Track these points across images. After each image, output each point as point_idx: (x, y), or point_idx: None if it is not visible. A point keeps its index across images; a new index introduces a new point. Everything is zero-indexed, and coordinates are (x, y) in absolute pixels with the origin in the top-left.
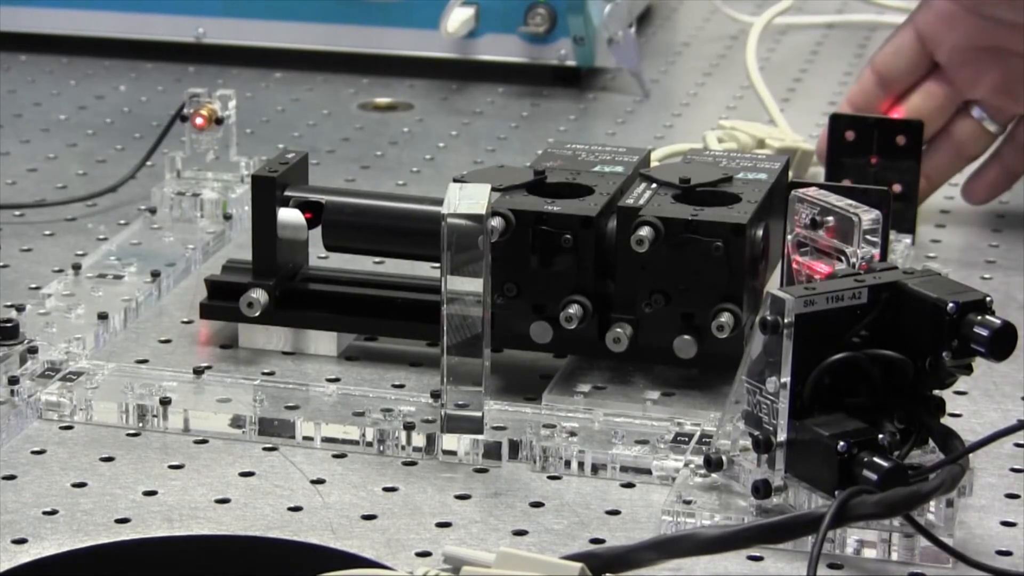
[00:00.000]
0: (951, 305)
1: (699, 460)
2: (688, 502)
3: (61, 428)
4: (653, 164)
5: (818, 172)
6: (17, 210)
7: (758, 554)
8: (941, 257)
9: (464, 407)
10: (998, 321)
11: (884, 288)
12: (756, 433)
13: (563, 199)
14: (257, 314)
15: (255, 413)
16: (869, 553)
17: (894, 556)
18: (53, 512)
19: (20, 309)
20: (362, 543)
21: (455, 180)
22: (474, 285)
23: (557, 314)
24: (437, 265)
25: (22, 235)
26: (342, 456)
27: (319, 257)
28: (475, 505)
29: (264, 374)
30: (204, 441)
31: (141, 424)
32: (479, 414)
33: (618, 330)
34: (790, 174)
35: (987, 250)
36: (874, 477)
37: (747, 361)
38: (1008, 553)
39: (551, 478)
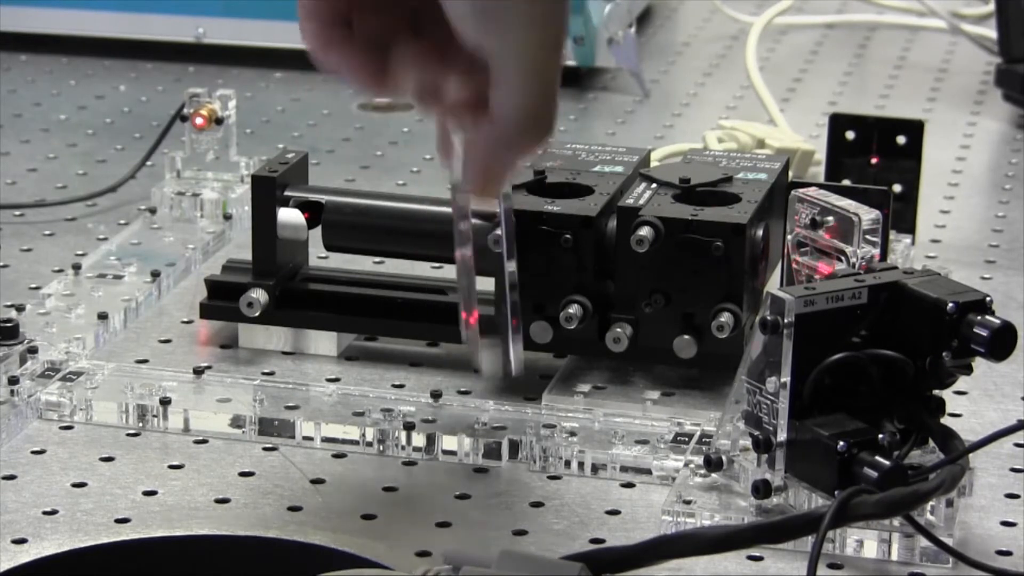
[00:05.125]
0: (951, 305)
1: (699, 460)
2: (688, 502)
3: (61, 428)
4: (653, 164)
5: (818, 172)
6: (17, 210)
7: (758, 554)
8: (941, 257)
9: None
10: (998, 321)
11: (884, 288)
12: (756, 433)
13: (563, 199)
14: (257, 314)
15: (255, 413)
16: (869, 553)
17: (894, 556)
18: (53, 512)
19: (20, 309)
20: (362, 543)
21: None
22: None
23: (557, 314)
24: (437, 265)
25: (22, 235)
26: (342, 456)
27: (319, 257)
28: (475, 505)
29: (264, 374)
30: (204, 441)
31: (141, 424)
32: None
33: (618, 330)
34: (790, 174)
35: (987, 250)
36: (874, 477)
37: (747, 361)
38: (1008, 553)
39: (551, 478)
